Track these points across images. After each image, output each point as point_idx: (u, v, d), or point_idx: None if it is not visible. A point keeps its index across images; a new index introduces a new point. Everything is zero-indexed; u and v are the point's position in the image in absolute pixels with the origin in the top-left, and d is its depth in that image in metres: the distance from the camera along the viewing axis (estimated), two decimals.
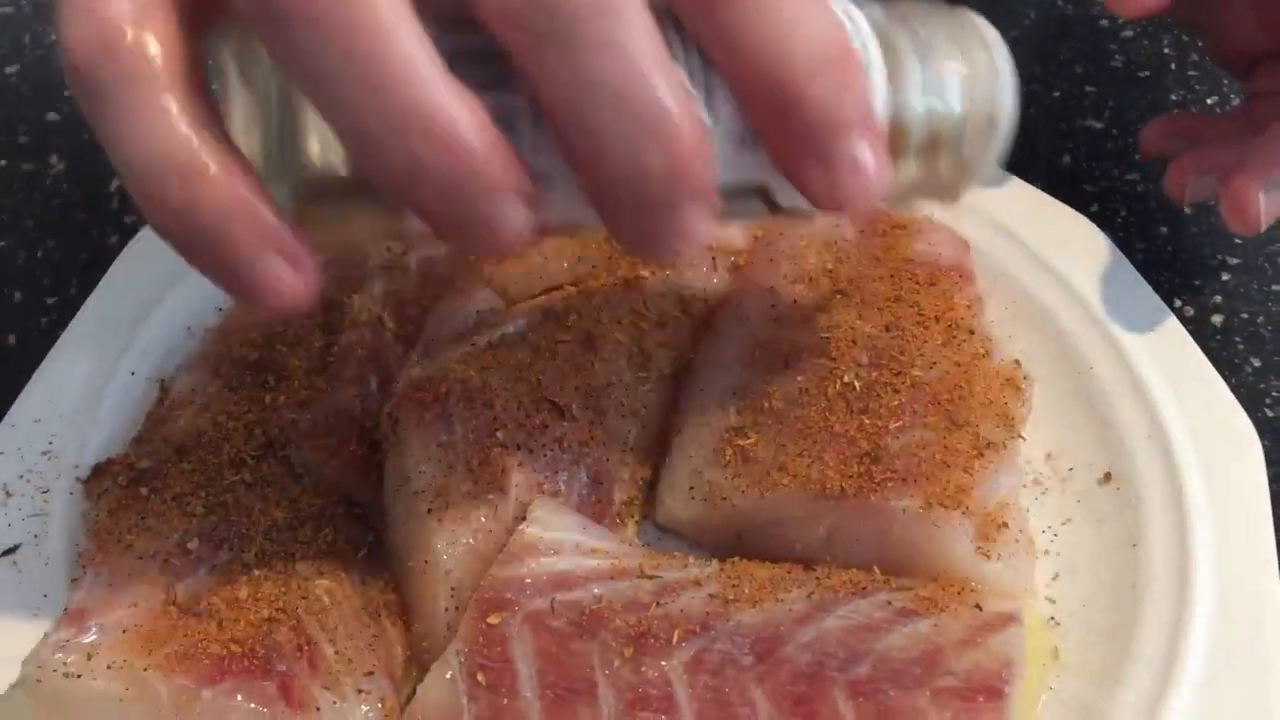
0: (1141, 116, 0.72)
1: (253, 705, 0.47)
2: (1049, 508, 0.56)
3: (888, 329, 0.57)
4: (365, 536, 0.54)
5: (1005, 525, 0.51)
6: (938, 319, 0.57)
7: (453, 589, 0.51)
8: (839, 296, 0.58)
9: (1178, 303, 0.65)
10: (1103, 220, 0.64)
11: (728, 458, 0.54)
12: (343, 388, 0.57)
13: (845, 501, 0.51)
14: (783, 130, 0.38)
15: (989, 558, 0.51)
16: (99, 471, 0.55)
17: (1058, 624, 0.52)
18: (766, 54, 0.36)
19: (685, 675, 0.47)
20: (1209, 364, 0.58)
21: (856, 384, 0.54)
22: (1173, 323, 0.59)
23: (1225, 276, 0.66)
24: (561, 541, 0.51)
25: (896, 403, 0.54)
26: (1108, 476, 0.56)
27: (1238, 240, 0.67)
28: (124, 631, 0.47)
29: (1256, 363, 0.63)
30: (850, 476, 0.52)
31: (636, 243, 0.39)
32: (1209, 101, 0.75)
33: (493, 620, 0.48)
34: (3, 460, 0.57)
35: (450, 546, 0.51)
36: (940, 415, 0.53)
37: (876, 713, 0.45)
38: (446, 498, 0.52)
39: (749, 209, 0.43)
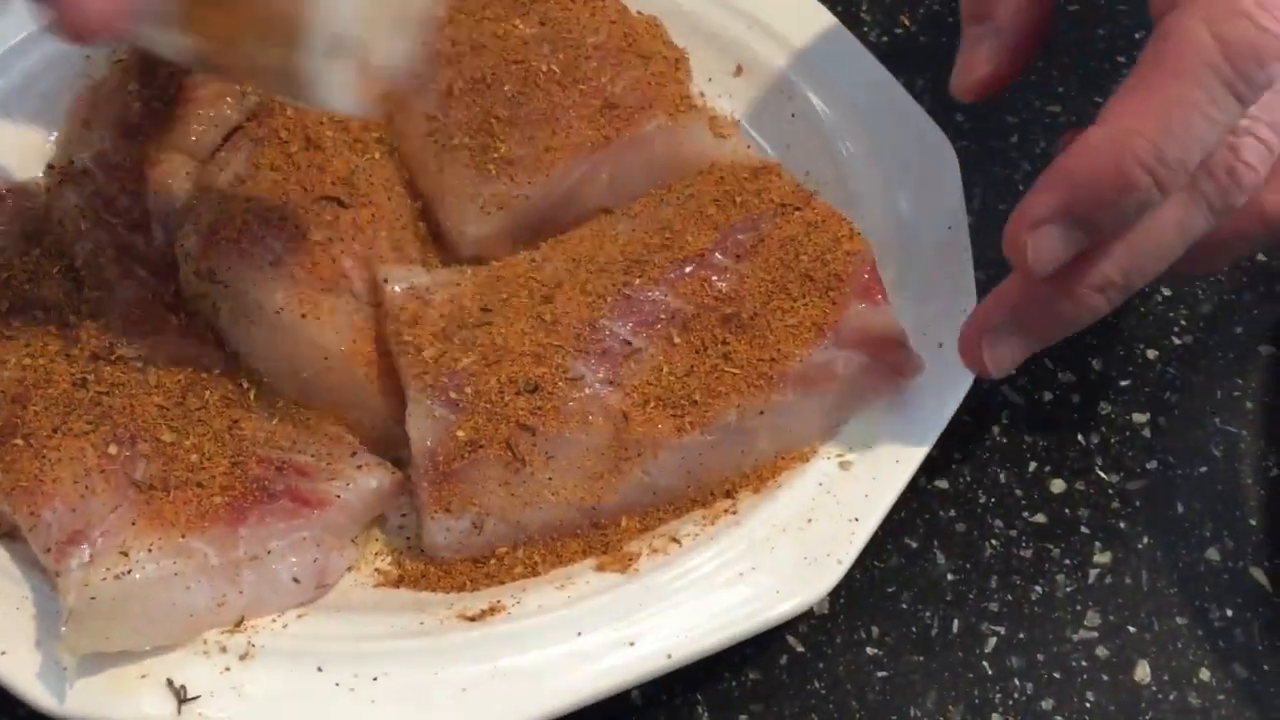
0: (1066, 47, 0.72)
1: (284, 522, 0.48)
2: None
3: (543, 24, 0.64)
4: (242, 381, 0.55)
5: (716, 113, 0.64)
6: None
7: (366, 362, 0.54)
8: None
9: None
10: (1022, 150, 0.69)
11: (492, 170, 0.60)
12: (119, 284, 0.57)
13: (613, 144, 0.60)
14: None
15: (725, 138, 0.62)
16: None
17: None
18: None
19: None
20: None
21: (555, 67, 0.62)
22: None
23: None
24: (428, 283, 0.55)
25: (594, 63, 0.62)
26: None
27: None
28: (132, 524, 0.46)
29: (1168, 292, 0.65)
30: (602, 127, 0.60)
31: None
32: (1136, 36, 0.73)
33: (431, 352, 0.53)
34: None
35: (338, 334, 0.54)
36: (632, 55, 0.63)
37: None
38: (308, 299, 0.54)
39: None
